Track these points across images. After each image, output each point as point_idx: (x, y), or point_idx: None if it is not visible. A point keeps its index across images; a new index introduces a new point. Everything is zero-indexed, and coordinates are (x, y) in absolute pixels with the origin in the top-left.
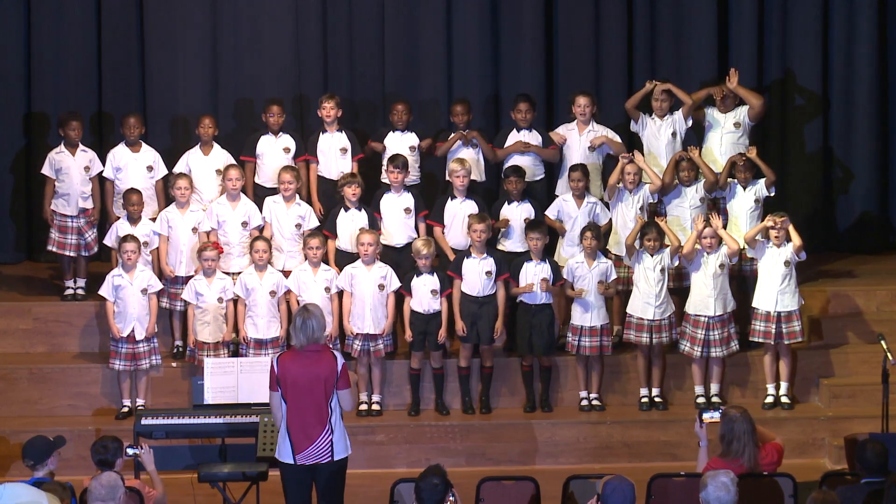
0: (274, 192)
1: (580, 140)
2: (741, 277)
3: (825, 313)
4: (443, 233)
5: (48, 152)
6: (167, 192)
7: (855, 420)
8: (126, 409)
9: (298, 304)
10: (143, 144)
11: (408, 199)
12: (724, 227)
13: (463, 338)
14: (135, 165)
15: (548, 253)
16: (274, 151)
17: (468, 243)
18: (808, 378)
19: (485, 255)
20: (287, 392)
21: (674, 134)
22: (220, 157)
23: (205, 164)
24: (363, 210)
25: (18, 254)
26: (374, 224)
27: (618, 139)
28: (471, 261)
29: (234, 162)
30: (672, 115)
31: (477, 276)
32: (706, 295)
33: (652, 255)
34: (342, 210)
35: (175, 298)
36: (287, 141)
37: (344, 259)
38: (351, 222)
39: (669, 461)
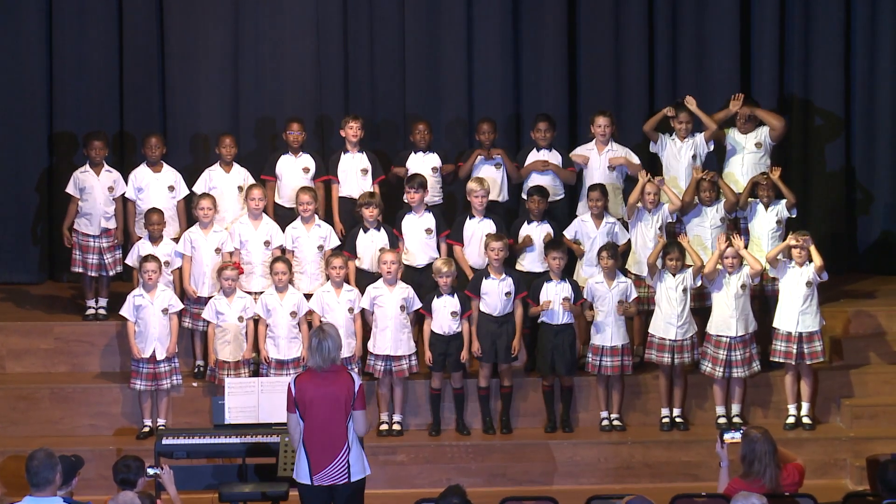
0: (293, 212)
1: (600, 159)
2: (763, 297)
3: (846, 333)
4: (462, 252)
5: (71, 172)
6: (189, 212)
7: (877, 441)
8: (147, 429)
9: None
10: (165, 165)
11: (429, 220)
12: (745, 247)
13: (482, 357)
14: (156, 185)
15: (567, 273)
16: (293, 171)
17: (485, 262)
18: (829, 398)
19: (503, 275)
20: (305, 413)
21: (694, 157)
22: (241, 174)
23: (226, 181)
24: (382, 230)
25: (41, 274)
26: (395, 243)
27: (636, 160)
28: (490, 281)
29: (253, 180)
30: (693, 138)
31: (497, 296)
32: (728, 315)
33: (674, 275)
34: (361, 231)
35: (198, 319)
36: (307, 161)
37: (364, 279)
38: (371, 243)
39: (691, 481)
